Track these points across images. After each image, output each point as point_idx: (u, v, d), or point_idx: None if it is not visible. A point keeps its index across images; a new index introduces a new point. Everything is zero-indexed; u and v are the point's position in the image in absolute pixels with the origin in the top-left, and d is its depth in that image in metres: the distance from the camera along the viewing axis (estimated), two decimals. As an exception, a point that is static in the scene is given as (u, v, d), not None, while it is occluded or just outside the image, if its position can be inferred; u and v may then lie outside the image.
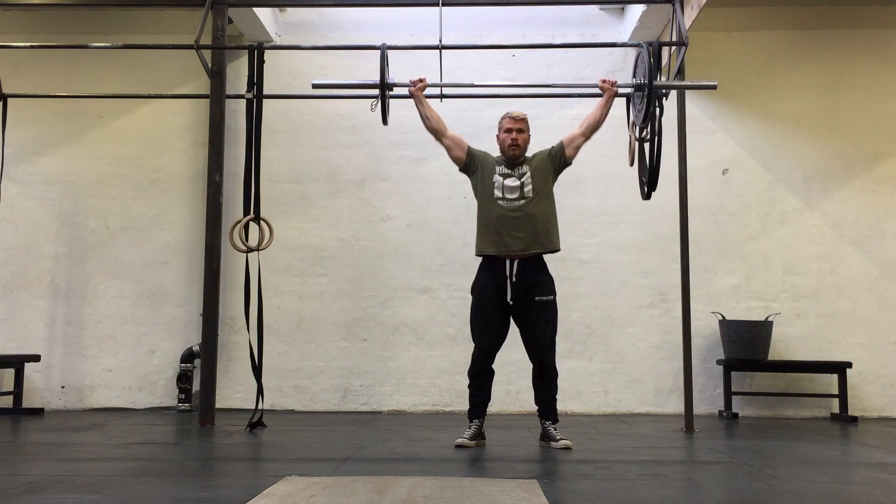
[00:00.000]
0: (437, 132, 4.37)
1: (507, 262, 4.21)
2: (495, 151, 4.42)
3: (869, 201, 6.40)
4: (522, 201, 4.22)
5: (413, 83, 4.43)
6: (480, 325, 4.27)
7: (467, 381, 4.33)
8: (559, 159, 4.35)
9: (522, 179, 4.24)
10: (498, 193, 4.24)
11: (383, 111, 4.50)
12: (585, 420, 5.65)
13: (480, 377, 4.28)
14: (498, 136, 4.35)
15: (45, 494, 2.80)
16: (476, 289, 4.33)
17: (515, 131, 4.26)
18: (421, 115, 4.39)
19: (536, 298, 4.21)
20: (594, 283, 6.33)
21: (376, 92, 4.52)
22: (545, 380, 4.26)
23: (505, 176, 4.26)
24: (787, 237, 6.38)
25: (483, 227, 4.31)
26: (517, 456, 3.94)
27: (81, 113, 6.59)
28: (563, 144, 4.35)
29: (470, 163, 4.37)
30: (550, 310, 4.25)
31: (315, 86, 4.69)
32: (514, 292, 4.20)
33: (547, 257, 4.32)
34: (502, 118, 4.34)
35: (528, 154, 4.36)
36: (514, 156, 4.27)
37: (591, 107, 4.49)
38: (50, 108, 6.55)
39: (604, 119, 4.36)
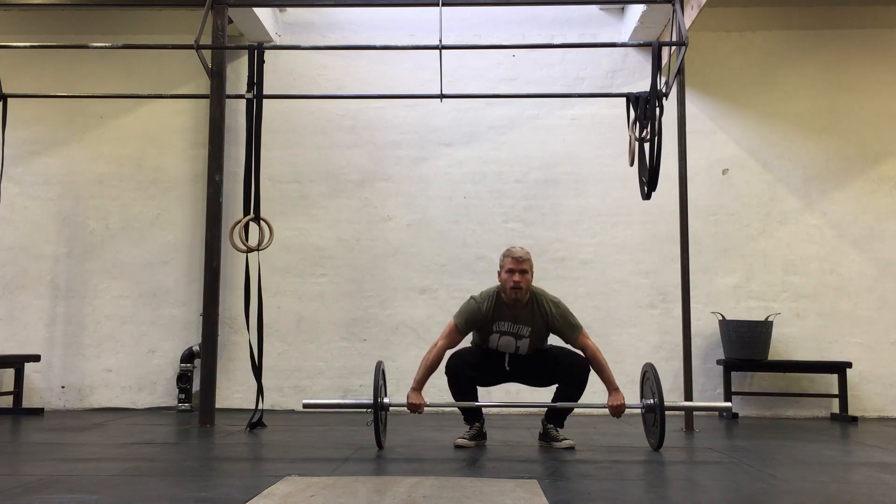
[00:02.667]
0: (443, 357, 4.18)
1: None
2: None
3: (869, 201, 6.40)
4: (517, 355, 4.19)
5: (410, 407, 4.06)
6: (466, 361, 4.20)
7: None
8: (559, 334, 4.20)
9: (518, 343, 4.16)
10: (493, 347, 4.20)
11: (377, 431, 3.93)
12: (585, 420, 5.64)
13: (464, 395, 4.21)
14: (499, 273, 4.16)
15: (45, 494, 2.79)
16: (454, 359, 4.20)
17: (518, 272, 4.07)
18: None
19: (554, 349, 4.22)
20: (594, 283, 6.32)
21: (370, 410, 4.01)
22: (570, 398, 4.22)
23: (502, 334, 4.15)
24: (787, 237, 6.38)
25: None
26: (517, 456, 3.94)
27: (81, 113, 6.59)
28: (570, 339, 4.19)
29: (468, 333, 4.24)
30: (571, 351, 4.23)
31: (306, 406, 4.15)
32: (511, 363, 4.20)
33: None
34: (504, 256, 4.14)
35: (532, 291, 4.17)
36: (515, 298, 4.11)
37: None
38: (50, 108, 6.55)
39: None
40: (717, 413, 6.11)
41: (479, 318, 4.14)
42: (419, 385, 4.11)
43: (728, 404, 4.57)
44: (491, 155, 6.49)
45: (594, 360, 4.16)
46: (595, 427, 5.22)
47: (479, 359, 4.21)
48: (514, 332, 4.14)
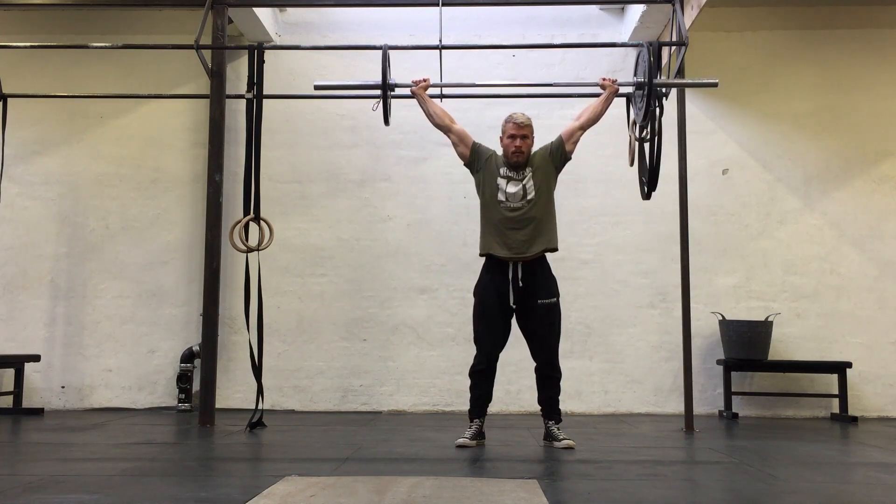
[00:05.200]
0: (444, 127, 4.39)
1: (511, 266, 4.20)
2: (499, 149, 4.41)
3: (869, 201, 6.40)
4: (525, 204, 4.21)
5: (415, 83, 4.45)
6: (483, 328, 4.27)
7: (468, 382, 4.33)
8: (559, 155, 4.34)
9: (525, 183, 4.23)
10: (501, 197, 4.23)
11: (385, 112, 4.49)
12: (585, 420, 5.65)
13: (482, 376, 4.28)
14: (501, 139, 4.31)
15: (45, 494, 2.80)
16: (478, 291, 4.33)
17: (520, 138, 4.21)
18: (426, 114, 4.40)
19: (540, 302, 4.22)
20: (594, 283, 6.33)
21: (378, 92, 4.53)
22: (549, 381, 4.26)
23: (508, 179, 4.25)
24: (787, 237, 6.38)
25: (486, 228, 4.31)
26: (517, 456, 3.94)
27: (81, 113, 6.59)
28: (563, 140, 4.34)
29: (474, 160, 4.36)
30: (554, 312, 4.26)
31: (317, 87, 4.72)
32: (516, 296, 4.21)
33: (548, 257, 4.32)
34: (506, 122, 4.28)
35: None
36: (517, 162, 4.24)
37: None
38: (50, 108, 6.55)
39: (603, 114, 4.37)
40: (717, 413, 6.11)
41: (486, 151, 4.34)
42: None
43: (714, 80, 4.63)
44: (491, 155, 6.49)
45: (590, 109, 4.37)
46: (595, 427, 5.22)
47: (487, 316, 4.24)
48: (519, 178, 4.24)
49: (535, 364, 4.31)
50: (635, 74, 4.61)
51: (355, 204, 6.50)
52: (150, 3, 6.36)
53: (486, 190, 4.30)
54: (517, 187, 4.23)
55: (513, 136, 4.21)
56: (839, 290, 6.32)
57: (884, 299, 6.30)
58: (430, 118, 4.39)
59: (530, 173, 4.26)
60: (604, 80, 4.46)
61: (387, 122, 4.55)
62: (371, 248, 6.44)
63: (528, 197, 4.21)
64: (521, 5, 6.49)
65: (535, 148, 4.35)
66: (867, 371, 6.19)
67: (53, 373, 6.37)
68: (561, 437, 4.17)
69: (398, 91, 4.60)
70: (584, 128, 4.36)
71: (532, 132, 4.27)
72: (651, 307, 6.32)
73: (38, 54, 6.47)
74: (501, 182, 4.25)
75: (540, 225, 4.23)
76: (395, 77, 4.56)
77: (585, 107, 4.45)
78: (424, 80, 4.46)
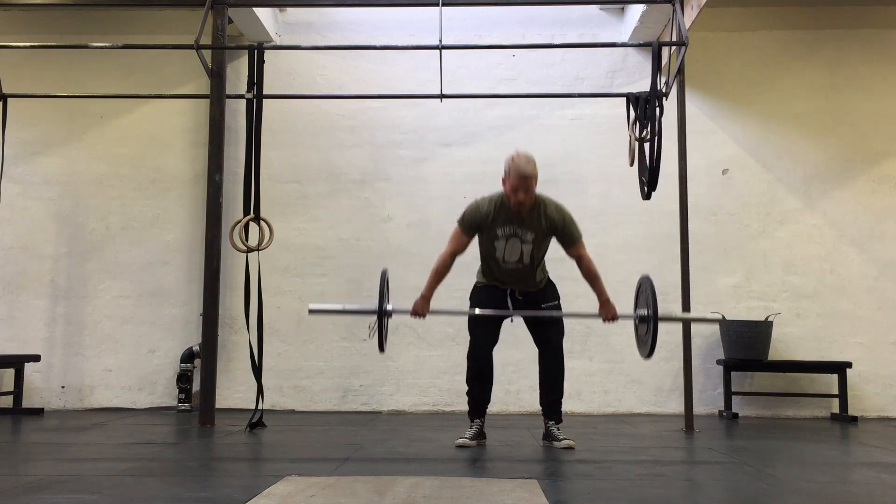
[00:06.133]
0: (456, 256, 4.18)
1: (508, 290, 4.24)
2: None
3: (869, 201, 6.40)
4: (520, 264, 4.16)
5: (415, 311, 4.14)
6: (476, 324, 4.24)
7: (466, 387, 4.33)
8: (559, 237, 4.18)
9: (522, 248, 4.12)
10: (498, 255, 4.16)
11: (380, 338, 4.05)
12: (585, 420, 5.65)
13: (478, 381, 4.25)
14: (504, 181, 4.04)
15: (45, 494, 2.79)
16: (474, 297, 4.30)
17: (522, 191, 3.99)
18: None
19: (544, 305, 4.24)
20: (594, 283, 6.32)
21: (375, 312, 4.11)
22: (552, 379, 4.24)
23: (507, 238, 4.11)
24: (787, 237, 6.38)
25: (484, 268, 4.29)
26: (517, 456, 3.94)
27: (81, 113, 6.59)
28: (569, 245, 4.16)
29: (475, 232, 4.19)
30: (558, 312, 4.27)
31: (311, 311, 4.25)
32: (516, 306, 4.23)
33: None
34: (509, 168, 4.00)
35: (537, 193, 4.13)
36: (519, 214, 4.09)
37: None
38: (50, 108, 6.55)
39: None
40: (717, 413, 6.11)
41: (479, 217, 4.11)
42: (427, 293, 4.14)
43: (718, 315, 4.49)
44: (491, 155, 6.46)
45: (588, 271, 4.18)
46: (595, 427, 5.22)
47: (487, 319, 4.22)
48: (520, 236, 4.11)
49: (538, 364, 4.29)
50: (637, 306, 4.23)
51: (355, 204, 6.50)
52: (150, 3, 6.36)
53: (486, 245, 4.20)
54: (515, 252, 4.12)
55: (515, 189, 3.98)
56: (839, 290, 6.32)
57: (884, 299, 6.30)
58: (443, 276, 4.19)
59: (531, 238, 4.10)
60: (605, 313, 4.18)
61: (382, 349, 4.12)
62: (371, 248, 6.44)
63: (525, 261, 4.16)
64: (521, 5, 6.49)
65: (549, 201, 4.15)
66: (867, 371, 6.19)
67: (53, 373, 6.37)
68: (561, 437, 4.17)
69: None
70: (584, 272, 4.20)
71: (536, 180, 4.03)
72: (651, 307, 6.32)
73: (38, 54, 6.48)
74: (500, 244, 4.13)
75: (536, 271, 4.22)
76: (392, 302, 4.09)
77: (592, 270, 4.20)
78: (422, 315, 4.14)
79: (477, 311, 4.23)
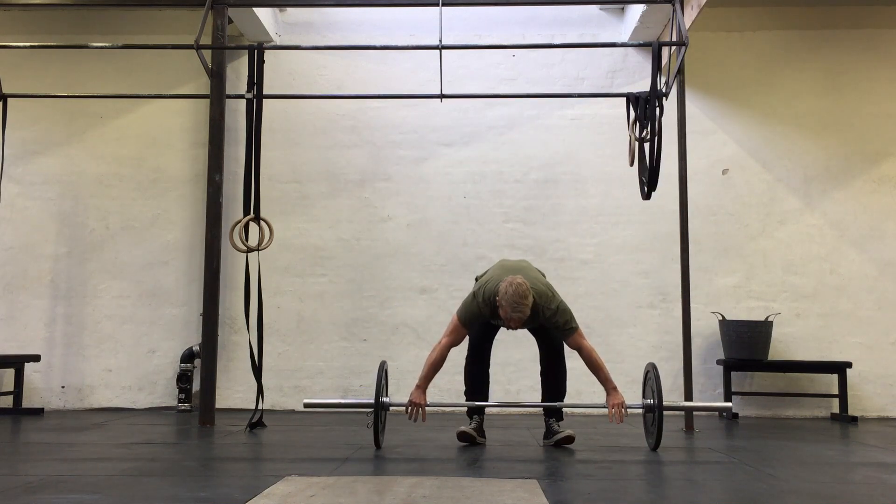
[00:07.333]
0: (447, 354, 4.13)
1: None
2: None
3: (869, 201, 6.40)
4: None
5: (410, 405, 4.03)
6: (472, 327, 4.20)
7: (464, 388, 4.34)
8: (557, 332, 4.15)
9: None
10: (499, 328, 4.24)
11: (375, 432, 3.95)
12: (585, 420, 5.64)
13: (477, 359, 4.29)
14: (499, 301, 3.93)
15: (45, 494, 2.79)
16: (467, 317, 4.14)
17: (515, 322, 3.96)
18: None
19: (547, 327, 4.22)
20: (594, 283, 6.32)
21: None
22: (554, 379, 4.25)
23: (501, 326, 4.19)
24: (787, 237, 6.38)
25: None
26: (517, 456, 3.94)
27: (81, 113, 6.59)
28: (567, 338, 4.12)
29: (471, 329, 4.18)
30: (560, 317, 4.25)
31: (307, 405, 4.20)
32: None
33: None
34: (503, 300, 3.89)
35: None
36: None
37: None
38: (50, 108, 6.55)
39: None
40: (717, 413, 6.11)
41: (479, 318, 4.13)
42: (423, 383, 4.08)
43: (728, 404, 4.55)
44: (491, 155, 6.49)
45: (590, 361, 4.12)
46: (595, 427, 5.22)
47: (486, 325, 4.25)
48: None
49: (539, 364, 4.30)
50: (643, 395, 4.22)
51: (355, 204, 6.50)
52: (150, 3, 6.36)
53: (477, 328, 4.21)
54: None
55: (509, 318, 3.92)
56: (839, 290, 6.32)
57: (884, 299, 6.30)
58: (439, 368, 4.11)
59: (529, 327, 4.19)
60: (612, 413, 4.05)
61: (378, 445, 3.99)
62: (371, 248, 6.44)
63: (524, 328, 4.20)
64: (521, 5, 6.49)
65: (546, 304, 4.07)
66: (867, 371, 6.19)
67: (53, 373, 6.37)
68: (558, 428, 4.18)
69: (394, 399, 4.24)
70: (585, 362, 4.15)
71: (530, 309, 3.92)
72: (651, 307, 6.32)
73: (38, 54, 6.48)
74: (500, 324, 4.14)
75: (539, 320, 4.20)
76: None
77: (595, 360, 4.12)
78: (419, 409, 4.04)
79: (479, 403, 4.24)
